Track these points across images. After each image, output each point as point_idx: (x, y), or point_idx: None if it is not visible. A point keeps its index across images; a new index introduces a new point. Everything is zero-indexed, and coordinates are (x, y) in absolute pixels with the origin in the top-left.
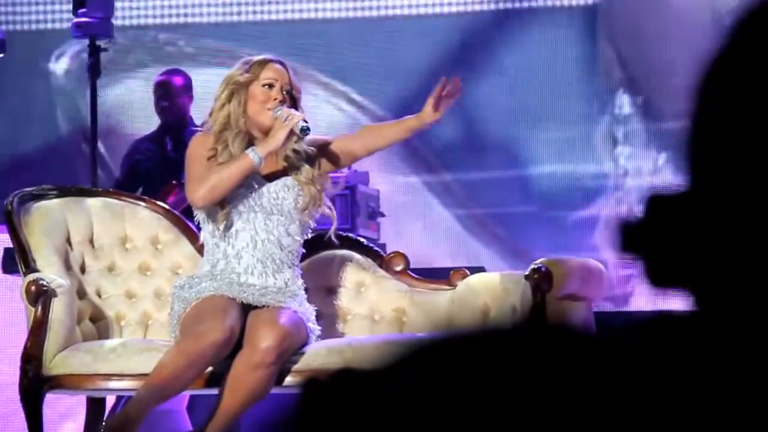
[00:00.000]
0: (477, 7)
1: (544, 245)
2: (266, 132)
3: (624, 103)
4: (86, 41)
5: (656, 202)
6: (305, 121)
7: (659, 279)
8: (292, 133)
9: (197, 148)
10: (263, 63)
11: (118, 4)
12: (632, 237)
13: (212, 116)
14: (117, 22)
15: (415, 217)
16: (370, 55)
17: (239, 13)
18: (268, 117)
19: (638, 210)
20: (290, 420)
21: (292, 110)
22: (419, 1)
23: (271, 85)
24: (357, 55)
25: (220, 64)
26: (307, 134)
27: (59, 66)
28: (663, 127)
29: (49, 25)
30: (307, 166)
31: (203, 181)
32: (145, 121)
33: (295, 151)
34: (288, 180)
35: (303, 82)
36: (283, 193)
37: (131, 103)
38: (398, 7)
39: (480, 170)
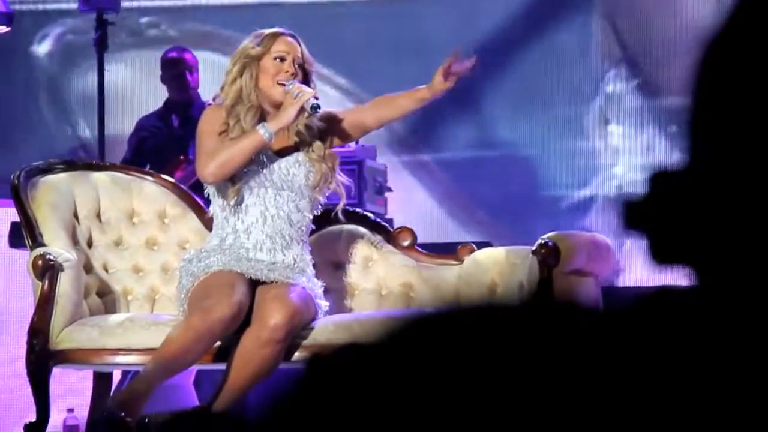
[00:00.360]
0: None
1: (535, 227)
2: (278, 106)
3: (619, 80)
4: (92, 16)
5: (659, 178)
6: (316, 98)
7: (662, 255)
8: (302, 109)
9: (209, 122)
10: (274, 36)
11: None
12: (635, 214)
13: (224, 90)
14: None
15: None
16: (349, 36)
17: None
18: (279, 91)
19: (641, 187)
20: (295, 395)
21: (304, 86)
22: None
23: (282, 59)
24: (337, 36)
25: (203, 47)
26: (318, 112)
27: (42, 48)
28: (659, 104)
29: (32, 6)
30: (318, 143)
31: (213, 157)
32: (129, 105)
33: (306, 126)
34: (299, 156)
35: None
36: (294, 169)
37: (115, 87)
38: None
39: (469, 150)
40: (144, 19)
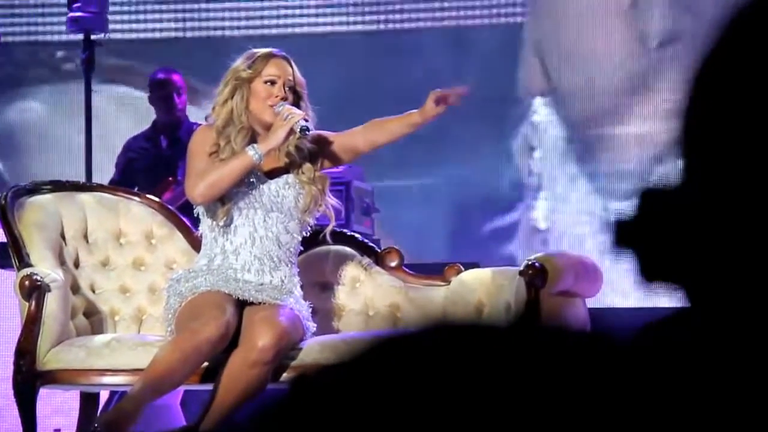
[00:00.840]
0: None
1: (456, 255)
2: (268, 128)
3: (543, 111)
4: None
5: (648, 197)
6: (306, 120)
7: (652, 275)
8: (292, 131)
9: (199, 143)
10: (266, 58)
11: (14, 20)
12: (625, 232)
13: (215, 111)
14: (14, 38)
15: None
16: None
17: (136, 30)
18: (270, 114)
19: (631, 206)
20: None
21: (294, 108)
22: (318, 20)
23: (273, 82)
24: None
25: (118, 81)
26: (307, 134)
27: None
28: (582, 135)
29: None
30: (309, 165)
31: (203, 177)
32: (44, 141)
33: (297, 148)
34: (289, 178)
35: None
36: (284, 191)
37: (31, 120)
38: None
39: (396, 178)
40: (60, 53)
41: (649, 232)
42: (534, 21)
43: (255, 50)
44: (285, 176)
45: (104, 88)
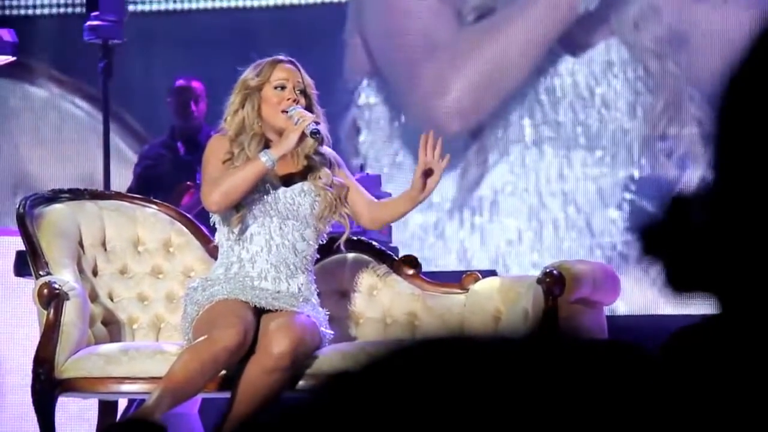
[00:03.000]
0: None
1: None
2: (281, 134)
3: (368, 93)
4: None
5: (678, 204)
6: (316, 123)
7: (682, 284)
8: (303, 134)
9: (214, 150)
10: (273, 64)
11: None
12: (654, 240)
13: (226, 122)
14: None
15: None
16: None
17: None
18: (282, 119)
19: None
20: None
21: (305, 112)
22: None
23: (283, 87)
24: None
25: None
26: (318, 137)
27: None
28: (405, 118)
29: None
30: (326, 170)
31: (217, 185)
32: None
33: (317, 153)
34: (305, 185)
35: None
36: (299, 198)
37: None
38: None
39: None
40: None
41: (678, 240)
42: (356, 1)
43: (261, 60)
44: (301, 184)
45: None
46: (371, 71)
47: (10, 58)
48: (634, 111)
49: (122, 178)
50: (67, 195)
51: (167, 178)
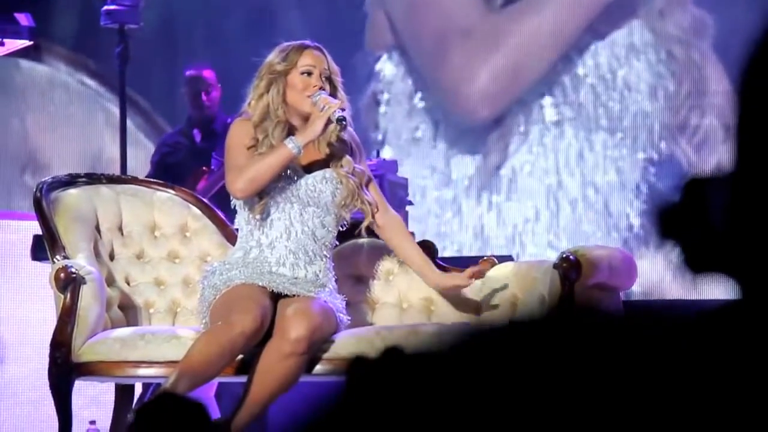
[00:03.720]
0: None
1: None
2: (306, 120)
3: (389, 66)
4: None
5: (695, 185)
6: (342, 110)
7: (700, 266)
8: (329, 121)
9: (237, 136)
10: (300, 49)
11: None
12: (671, 222)
13: (250, 106)
14: None
15: None
16: None
17: None
18: (307, 105)
19: (676, 194)
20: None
21: (330, 98)
22: None
23: (309, 72)
24: None
25: None
26: (344, 124)
27: None
28: (428, 92)
29: None
30: (348, 158)
31: (243, 172)
32: None
33: (339, 140)
34: (327, 172)
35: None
36: (321, 185)
37: None
38: None
39: None
40: None
41: (696, 222)
42: None
43: (287, 43)
44: (323, 171)
45: None
46: (392, 44)
47: (27, 43)
48: (655, 94)
49: (135, 161)
50: (83, 179)
51: (184, 165)
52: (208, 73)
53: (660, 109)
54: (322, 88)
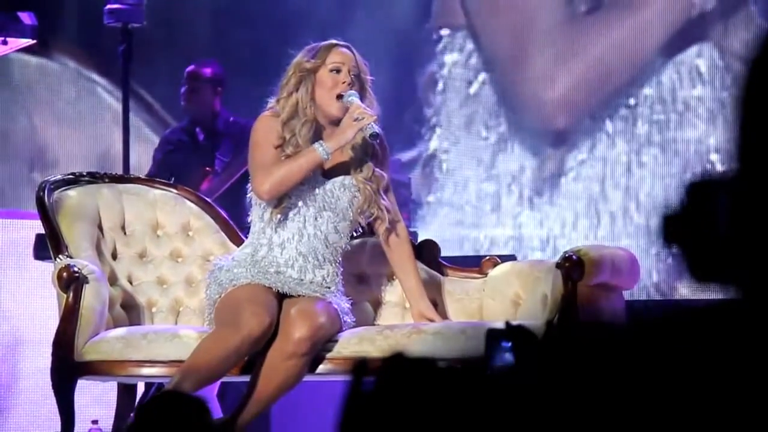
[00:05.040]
0: None
1: None
2: (333, 120)
3: (454, 47)
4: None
5: (698, 190)
6: (376, 124)
7: (703, 271)
8: (359, 130)
9: (264, 133)
10: (329, 47)
11: None
12: (675, 228)
13: (279, 103)
14: None
15: None
16: None
17: None
18: (336, 107)
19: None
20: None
21: (366, 108)
22: None
23: (338, 70)
24: None
25: None
26: (376, 140)
27: None
28: (491, 75)
29: None
30: (369, 163)
31: (270, 174)
32: None
33: (363, 145)
34: (347, 179)
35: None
36: (339, 192)
37: None
38: None
39: None
40: None
41: (700, 228)
42: None
43: (316, 43)
44: (342, 177)
45: None
46: (461, 24)
47: (30, 41)
48: (715, 120)
49: (146, 157)
50: (86, 178)
51: (186, 163)
52: (208, 70)
53: (717, 134)
54: (351, 85)
